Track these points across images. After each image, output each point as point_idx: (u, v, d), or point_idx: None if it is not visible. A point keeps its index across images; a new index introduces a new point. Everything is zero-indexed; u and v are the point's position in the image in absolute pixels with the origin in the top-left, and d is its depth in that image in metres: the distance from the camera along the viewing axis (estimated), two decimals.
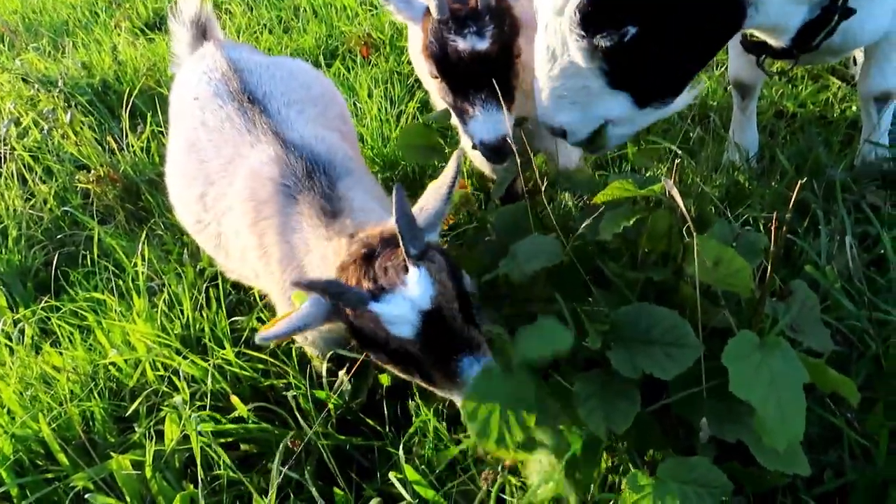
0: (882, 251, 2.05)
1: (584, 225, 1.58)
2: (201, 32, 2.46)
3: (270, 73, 2.23)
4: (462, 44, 1.95)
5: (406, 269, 1.42)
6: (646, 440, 1.60)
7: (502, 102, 1.91)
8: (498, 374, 1.39)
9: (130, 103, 3.76)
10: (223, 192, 2.00)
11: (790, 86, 3.05)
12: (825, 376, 1.47)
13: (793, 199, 1.33)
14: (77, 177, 3.55)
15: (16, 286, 3.12)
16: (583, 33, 1.64)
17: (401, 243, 1.42)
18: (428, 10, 2.05)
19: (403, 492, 1.72)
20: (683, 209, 1.29)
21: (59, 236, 3.33)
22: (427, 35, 2.05)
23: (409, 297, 1.40)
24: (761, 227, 2.19)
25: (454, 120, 2.21)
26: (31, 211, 3.48)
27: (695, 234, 1.36)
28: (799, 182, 1.32)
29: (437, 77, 2.08)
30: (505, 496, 1.68)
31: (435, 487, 1.77)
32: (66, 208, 3.40)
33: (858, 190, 2.32)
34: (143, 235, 2.87)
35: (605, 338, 1.48)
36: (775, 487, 1.59)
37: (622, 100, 1.81)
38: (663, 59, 1.73)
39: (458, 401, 1.50)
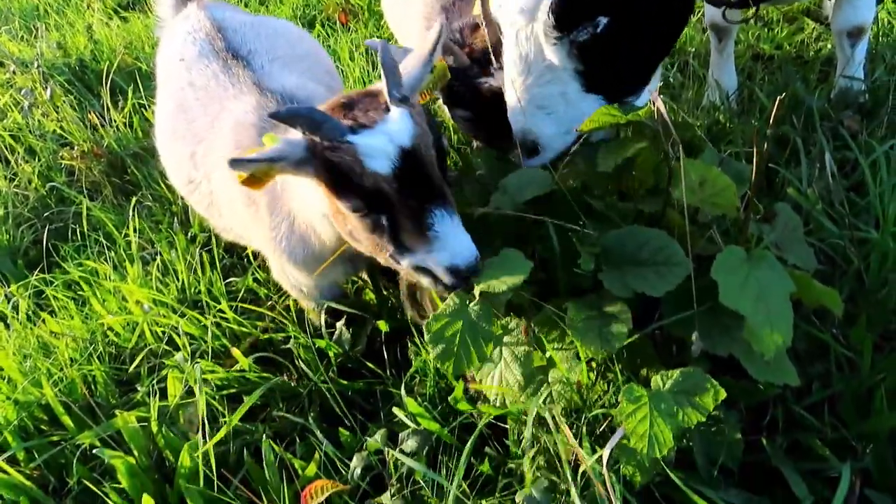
0: (861, 177, 2.10)
1: (572, 151, 1.61)
2: None
3: (255, 32, 2.24)
4: (493, 81, 2.00)
5: (388, 110, 1.44)
6: (639, 360, 1.64)
7: None
8: (464, 302, 1.45)
9: (110, 80, 3.73)
10: (211, 146, 2.02)
11: (766, 29, 3.09)
12: (810, 288, 1.51)
13: (773, 113, 1.36)
14: (61, 154, 3.53)
15: (6, 264, 3.11)
16: (559, 34, 1.61)
17: (384, 85, 1.44)
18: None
19: (408, 422, 1.75)
20: (670, 124, 1.32)
21: (46, 214, 3.31)
22: (447, 86, 2.06)
23: (387, 132, 1.41)
24: (743, 162, 2.23)
25: None
26: (15, 190, 3.46)
27: (682, 152, 1.40)
28: (778, 98, 1.35)
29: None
30: (505, 424, 1.73)
31: (439, 423, 1.81)
32: (52, 184, 3.38)
33: (836, 117, 2.37)
34: (132, 206, 2.87)
35: (597, 261, 1.52)
36: (766, 400, 1.65)
37: (596, 103, 1.71)
38: (635, 44, 1.70)
39: (423, 280, 1.52)
